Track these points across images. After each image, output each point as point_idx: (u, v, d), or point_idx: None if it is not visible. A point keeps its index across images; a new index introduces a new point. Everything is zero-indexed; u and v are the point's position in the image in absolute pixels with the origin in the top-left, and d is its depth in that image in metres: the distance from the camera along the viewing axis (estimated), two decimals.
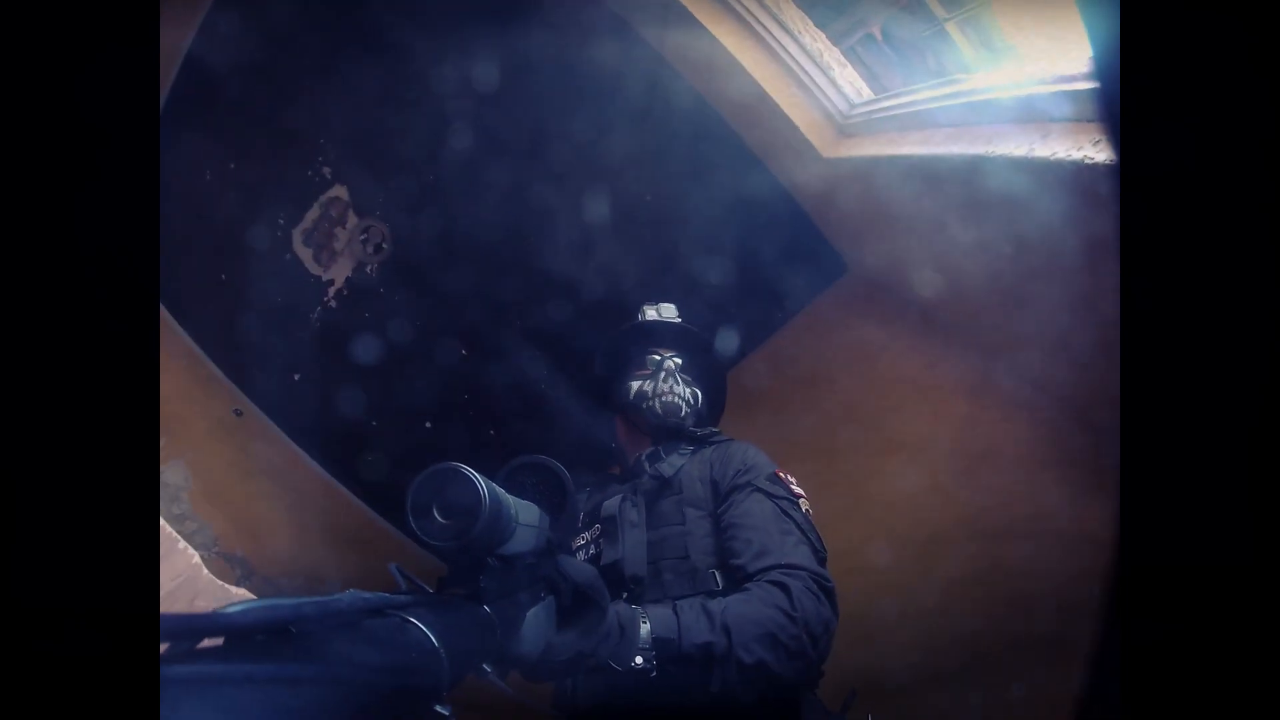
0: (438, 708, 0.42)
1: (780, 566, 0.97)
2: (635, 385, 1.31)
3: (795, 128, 1.96)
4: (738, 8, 1.92)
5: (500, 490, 0.57)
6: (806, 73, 1.96)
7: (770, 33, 1.94)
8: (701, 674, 0.84)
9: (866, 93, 2.04)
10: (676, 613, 0.87)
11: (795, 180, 2.05)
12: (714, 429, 1.34)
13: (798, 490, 1.12)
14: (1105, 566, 0.61)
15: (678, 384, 1.29)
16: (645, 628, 0.83)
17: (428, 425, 2.44)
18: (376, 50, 2.07)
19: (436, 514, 0.54)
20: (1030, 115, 1.42)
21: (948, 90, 1.73)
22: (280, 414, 2.28)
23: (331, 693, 0.32)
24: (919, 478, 1.82)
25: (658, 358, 1.33)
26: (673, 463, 1.21)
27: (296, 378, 2.29)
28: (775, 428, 1.83)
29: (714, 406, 1.42)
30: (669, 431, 1.27)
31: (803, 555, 0.99)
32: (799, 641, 0.89)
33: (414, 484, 0.54)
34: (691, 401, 1.31)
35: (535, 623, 0.64)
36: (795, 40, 1.96)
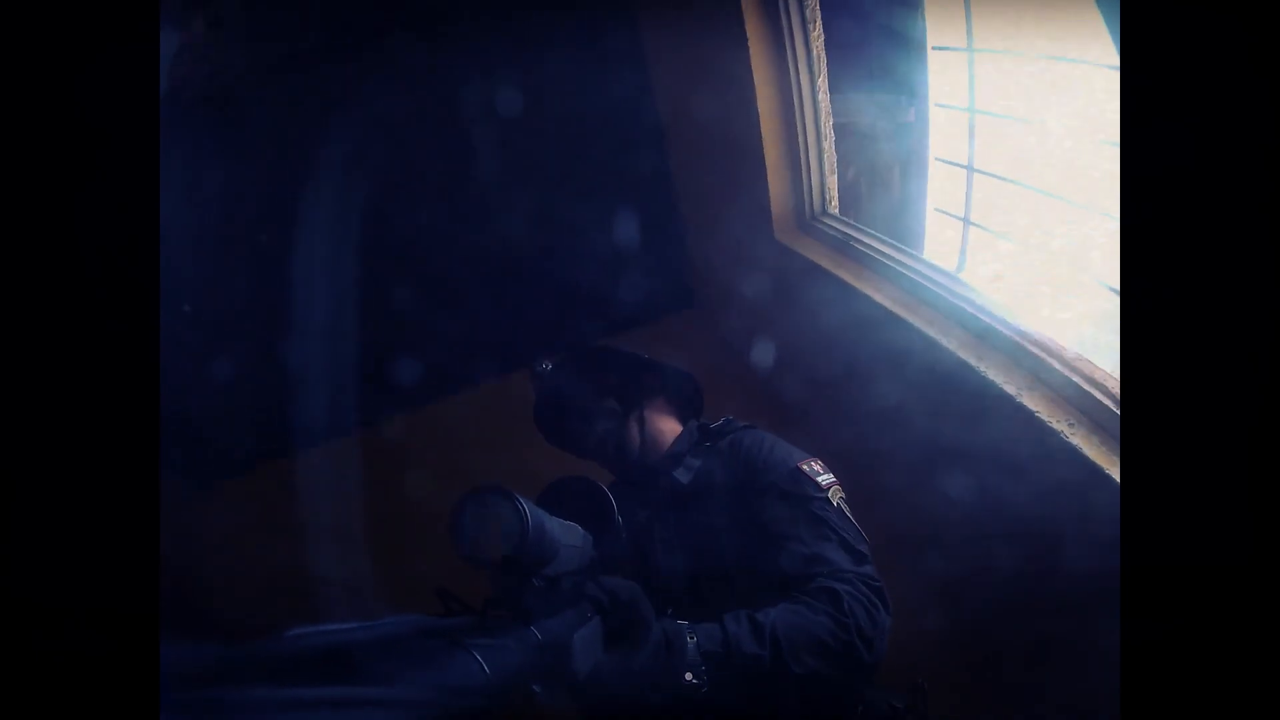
0: None
1: (823, 573, 0.94)
2: (593, 436, 1.20)
3: (766, 194, 1.95)
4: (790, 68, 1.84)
5: (541, 511, 0.57)
6: (806, 152, 1.93)
7: (801, 103, 1.89)
8: (753, 687, 0.83)
9: (836, 205, 2.06)
10: (723, 626, 0.86)
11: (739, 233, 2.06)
12: (720, 422, 1.21)
13: (825, 481, 1.05)
14: (1105, 566, 0.61)
15: (587, 434, 1.17)
16: (693, 642, 0.82)
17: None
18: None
19: (478, 535, 0.54)
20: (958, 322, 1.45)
21: (898, 257, 1.76)
22: None
23: (383, 716, 0.33)
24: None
25: (568, 422, 1.20)
26: (689, 465, 1.14)
27: None
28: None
29: (676, 395, 1.25)
30: (664, 464, 1.17)
31: (842, 558, 0.96)
32: (852, 648, 0.87)
33: (455, 505, 0.54)
34: (611, 428, 1.17)
35: (584, 643, 0.63)
36: (815, 124, 1.91)
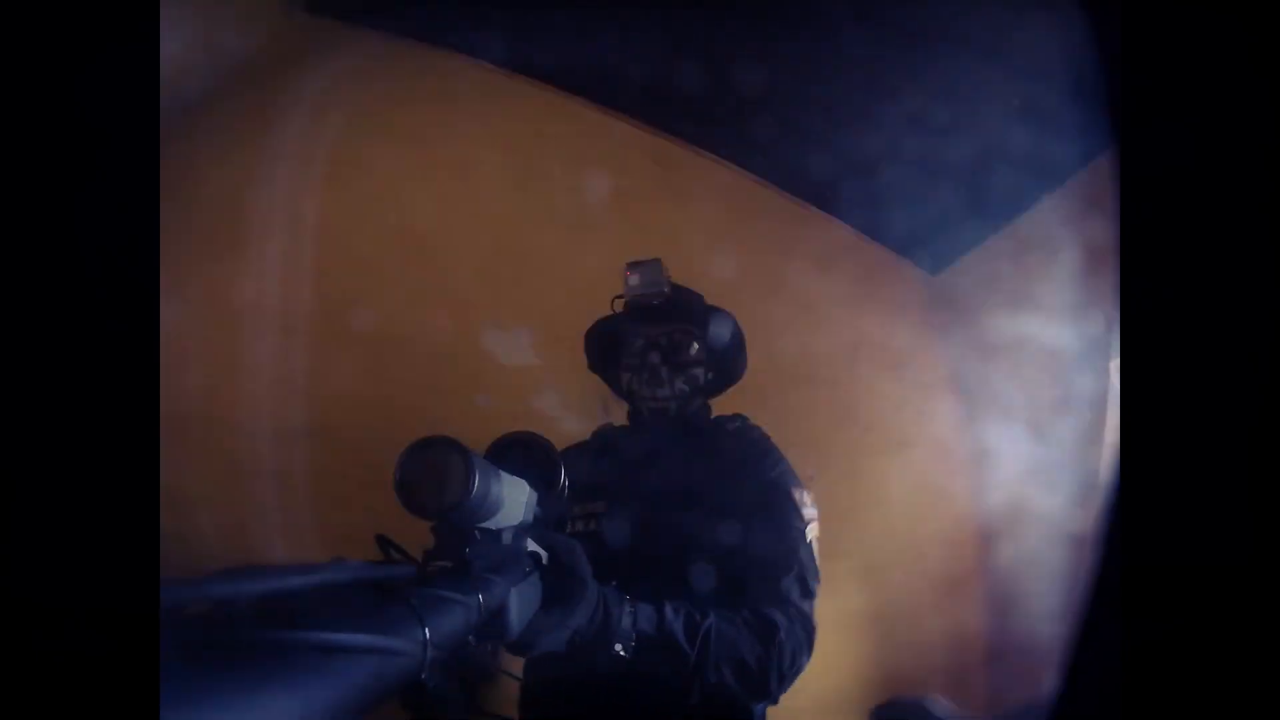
0: (422, 676, 0.42)
1: (774, 600, 0.98)
2: (625, 377, 1.20)
3: None
4: None
5: (488, 464, 0.57)
6: None
7: None
8: (667, 674, 0.87)
9: None
10: (660, 611, 0.88)
11: None
12: (731, 416, 1.23)
13: (809, 515, 1.09)
14: (1105, 566, 0.61)
15: (663, 379, 1.16)
16: (629, 615, 0.83)
17: None
18: None
19: (424, 485, 0.54)
20: None
21: None
22: None
23: (317, 660, 0.33)
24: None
25: (642, 342, 1.16)
26: (684, 444, 1.17)
27: None
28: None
29: (727, 369, 1.25)
30: (670, 425, 1.20)
31: (794, 592, 1.01)
32: (767, 678, 0.93)
33: (402, 455, 0.54)
34: (685, 392, 1.18)
35: (520, 598, 0.64)
36: None
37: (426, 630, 0.43)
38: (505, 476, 0.61)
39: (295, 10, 1.73)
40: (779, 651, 0.93)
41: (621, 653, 0.81)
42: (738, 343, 1.25)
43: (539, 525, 0.73)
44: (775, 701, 0.99)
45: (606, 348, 1.25)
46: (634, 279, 1.16)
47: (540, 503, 0.72)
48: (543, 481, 0.74)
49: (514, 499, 0.63)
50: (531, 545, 0.71)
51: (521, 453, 0.76)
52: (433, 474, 0.54)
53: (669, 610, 0.88)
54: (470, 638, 0.54)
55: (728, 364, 1.25)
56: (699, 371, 1.19)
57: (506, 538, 0.65)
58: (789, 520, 1.07)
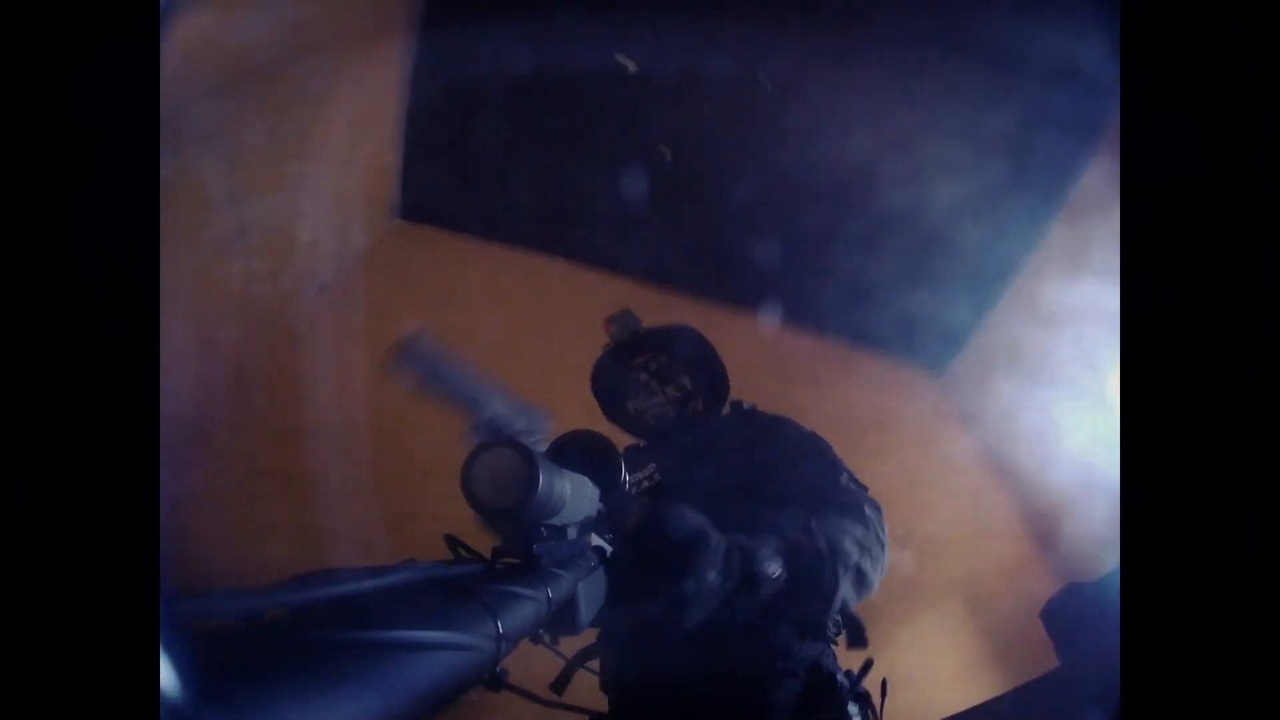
0: (496, 669, 0.44)
1: (840, 492, 1.07)
2: (630, 404, 1.34)
3: None
4: None
5: (550, 463, 0.59)
6: None
7: None
8: (815, 576, 0.90)
9: None
10: (774, 529, 0.91)
11: None
12: (736, 402, 1.37)
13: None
14: (1105, 566, 0.61)
15: (657, 390, 1.31)
16: (759, 542, 0.86)
17: None
18: None
19: (489, 486, 0.56)
20: None
21: None
22: None
23: (393, 660, 0.34)
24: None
25: (633, 373, 1.33)
26: (708, 429, 1.28)
27: None
28: None
29: (711, 375, 1.41)
30: (678, 432, 1.31)
31: (855, 484, 1.11)
32: (879, 547, 0.99)
33: (468, 456, 0.56)
34: (679, 396, 1.32)
35: (587, 590, 0.66)
36: None
37: (499, 625, 0.44)
38: (568, 474, 0.62)
39: (393, 217, 2.12)
40: (870, 522, 1.00)
41: (776, 572, 0.85)
42: (709, 350, 1.42)
43: (602, 520, 0.75)
44: (885, 571, 1.04)
45: (611, 393, 1.41)
46: (614, 327, 1.41)
47: (602, 498, 0.74)
48: (604, 477, 0.76)
49: (577, 496, 0.65)
50: (595, 540, 0.74)
51: (582, 450, 0.78)
52: (497, 475, 0.55)
53: (785, 529, 0.92)
54: (541, 630, 0.56)
55: (708, 370, 1.40)
56: (685, 380, 1.35)
57: (572, 533, 0.68)
58: (820, 446, 1.18)
